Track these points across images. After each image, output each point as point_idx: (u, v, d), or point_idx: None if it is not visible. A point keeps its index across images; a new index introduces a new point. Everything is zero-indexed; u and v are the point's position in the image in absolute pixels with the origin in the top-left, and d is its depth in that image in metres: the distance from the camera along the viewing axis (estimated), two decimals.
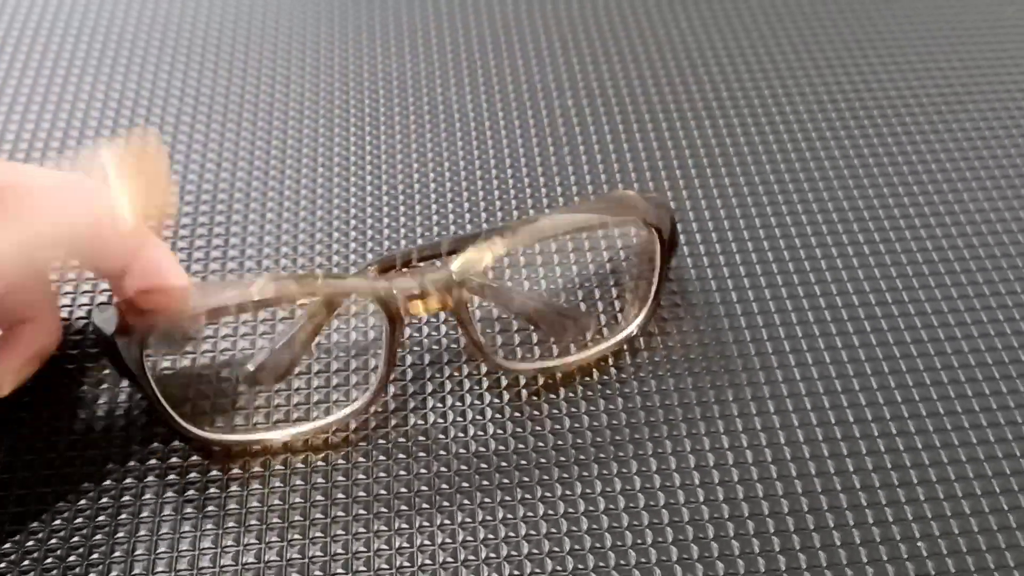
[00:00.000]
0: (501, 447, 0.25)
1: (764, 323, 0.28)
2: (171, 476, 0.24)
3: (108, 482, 0.24)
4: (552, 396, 0.27)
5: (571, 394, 0.27)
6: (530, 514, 0.24)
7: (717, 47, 0.38)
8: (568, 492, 0.24)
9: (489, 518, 0.24)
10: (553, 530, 0.24)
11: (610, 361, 0.28)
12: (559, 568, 0.23)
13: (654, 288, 0.28)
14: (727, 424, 0.26)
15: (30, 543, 0.23)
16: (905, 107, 0.36)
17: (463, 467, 0.25)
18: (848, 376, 0.27)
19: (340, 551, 0.23)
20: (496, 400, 0.26)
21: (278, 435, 0.25)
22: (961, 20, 0.40)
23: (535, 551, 0.23)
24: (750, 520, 0.24)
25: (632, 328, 0.28)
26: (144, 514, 0.24)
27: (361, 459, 0.25)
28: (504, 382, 0.27)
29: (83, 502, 0.24)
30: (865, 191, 0.33)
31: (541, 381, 0.27)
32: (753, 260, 0.30)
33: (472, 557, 0.23)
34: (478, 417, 0.26)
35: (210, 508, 0.24)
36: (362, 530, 0.24)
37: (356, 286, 0.24)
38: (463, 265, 0.25)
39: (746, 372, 0.27)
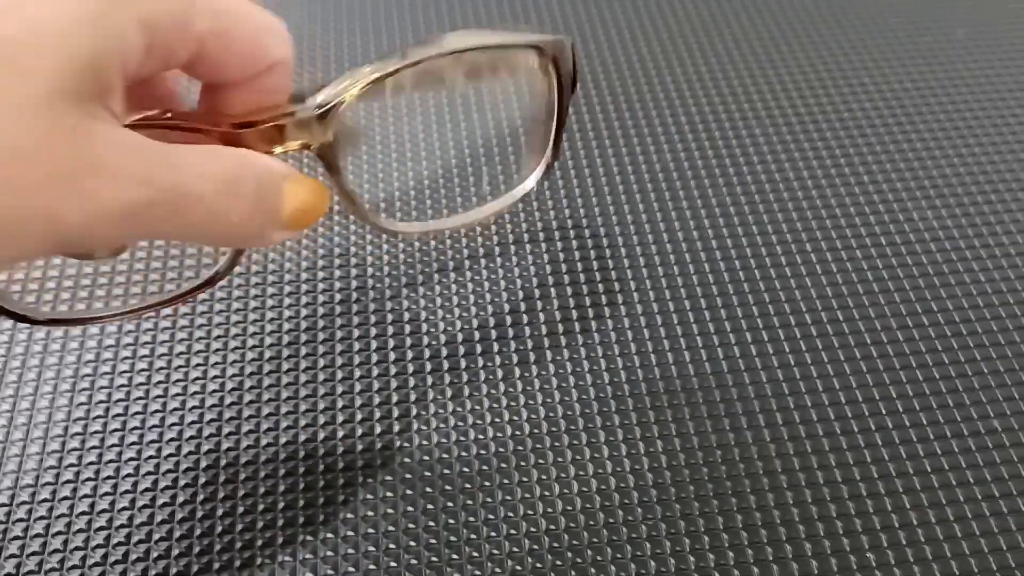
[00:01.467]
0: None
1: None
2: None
3: None
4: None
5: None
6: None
7: (687, 65, 0.39)
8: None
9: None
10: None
11: (506, 220, 0.26)
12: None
13: (552, 135, 0.25)
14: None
15: None
16: (857, 128, 0.37)
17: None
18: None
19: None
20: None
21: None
22: (914, 42, 0.41)
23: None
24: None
25: (529, 183, 0.26)
26: None
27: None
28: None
29: None
30: (818, 211, 0.33)
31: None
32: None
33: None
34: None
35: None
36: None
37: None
38: (327, 97, 0.22)
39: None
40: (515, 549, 0.24)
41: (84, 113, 0.17)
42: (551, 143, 0.26)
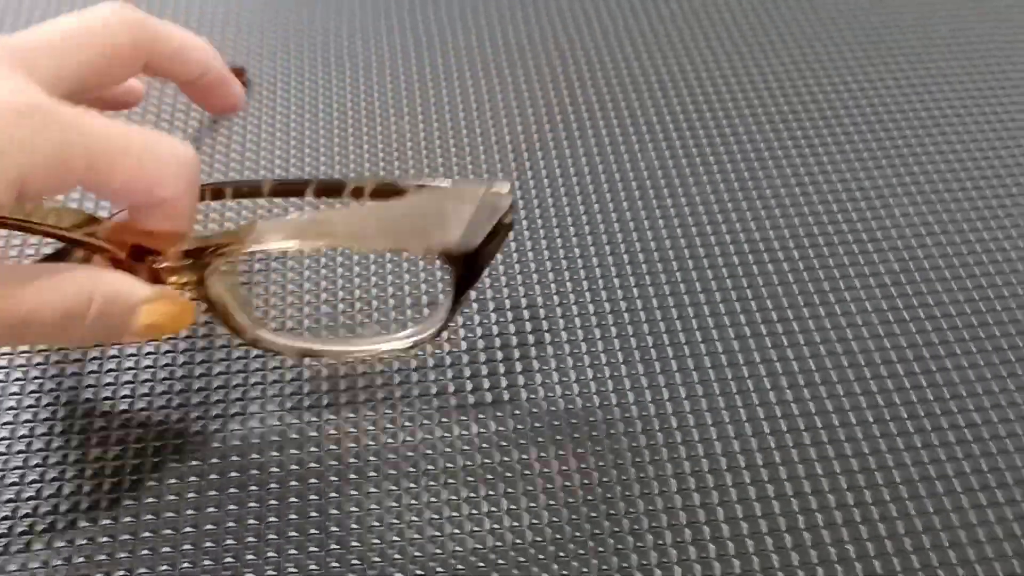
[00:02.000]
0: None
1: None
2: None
3: None
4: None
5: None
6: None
7: (671, 64, 0.39)
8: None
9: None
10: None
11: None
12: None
13: (445, 314, 0.26)
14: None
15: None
16: (840, 126, 0.37)
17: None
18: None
19: None
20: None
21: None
22: (896, 40, 0.41)
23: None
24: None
25: (422, 335, 0.26)
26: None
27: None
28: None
29: None
30: (800, 208, 0.34)
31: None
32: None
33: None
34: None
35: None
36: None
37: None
38: (203, 244, 0.24)
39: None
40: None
41: None
42: (443, 319, 0.26)
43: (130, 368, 0.28)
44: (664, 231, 0.33)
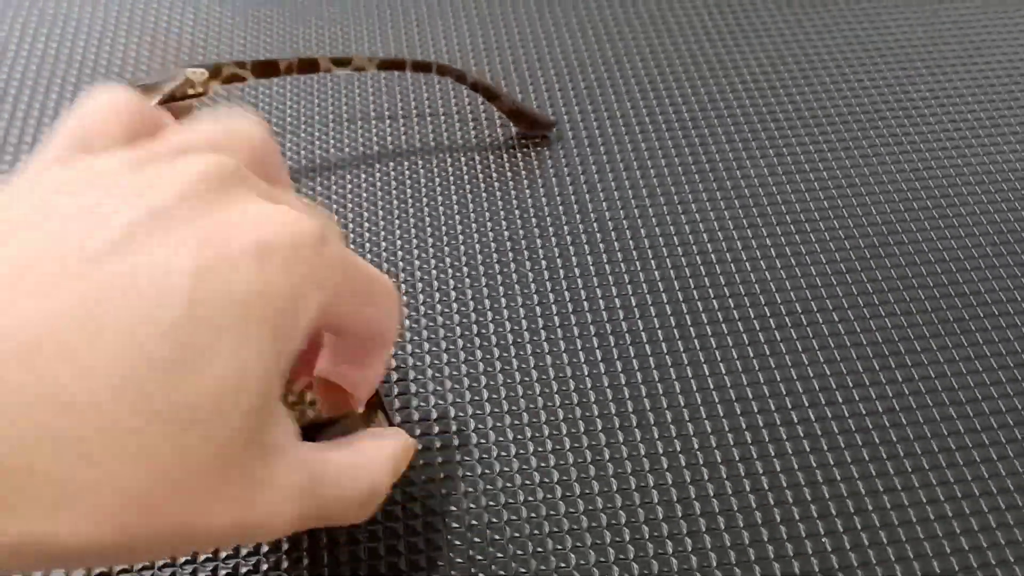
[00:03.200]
0: None
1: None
2: None
3: None
4: None
5: None
6: None
7: (648, 63, 0.40)
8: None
9: None
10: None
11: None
12: None
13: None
14: None
15: None
16: (817, 125, 0.37)
17: None
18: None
19: None
20: None
21: None
22: (872, 40, 0.42)
23: None
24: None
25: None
26: None
27: None
28: None
29: None
30: (778, 207, 0.34)
31: None
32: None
33: None
34: None
35: None
36: None
37: None
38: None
39: None
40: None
41: (259, 450, 0.17)
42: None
43: None
44: (643, 230, 0.33)
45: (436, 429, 0.27)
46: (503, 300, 0.30)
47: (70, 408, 0.15)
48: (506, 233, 0.33)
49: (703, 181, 0.35)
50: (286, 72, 0.33)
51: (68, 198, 0.17)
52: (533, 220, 0.33)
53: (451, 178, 0.35)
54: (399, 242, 0.32)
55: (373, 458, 0.21)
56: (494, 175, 0.35)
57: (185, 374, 0.16)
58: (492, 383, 0.28)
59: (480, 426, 0.27)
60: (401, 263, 0.32)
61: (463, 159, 0.36)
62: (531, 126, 0.36)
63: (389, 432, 0.22)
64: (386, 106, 0.38)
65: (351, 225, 0.33)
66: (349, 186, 0.34)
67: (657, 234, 0.33)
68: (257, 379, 0.17)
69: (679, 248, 0.32)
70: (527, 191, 0.34)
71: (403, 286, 0.31)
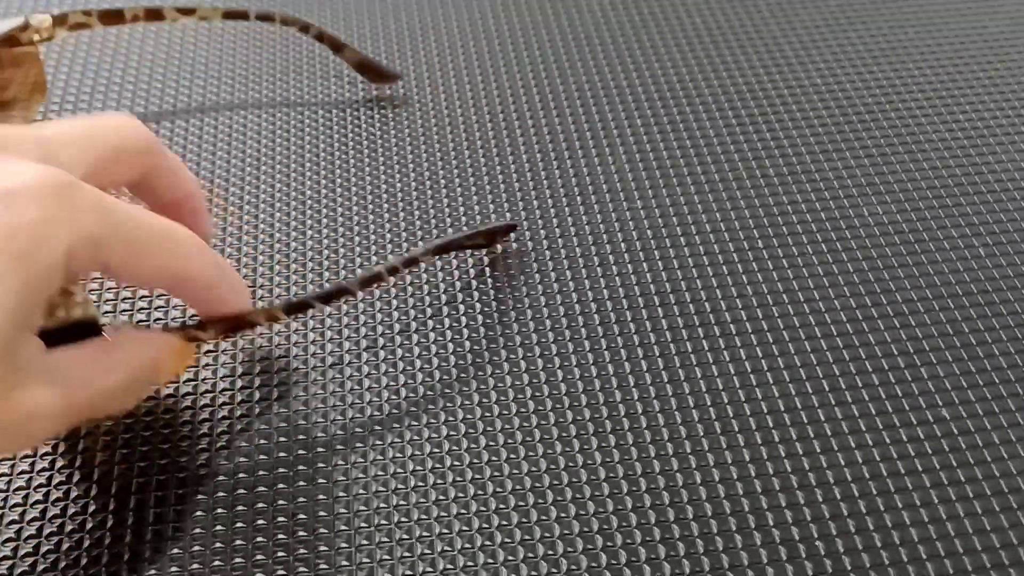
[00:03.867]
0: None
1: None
2: None
3: None
4: None
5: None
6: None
7: (640, 67, 0.40)
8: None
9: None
10: None
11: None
12: None
13: None
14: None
15: None
16: (809, 127, 0.37)
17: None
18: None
19: None
20: None
21: None
22: (864, 42, 0.42)
23: None
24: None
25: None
26: None
27: None
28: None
29: None
30: (770, 209, 0.34)
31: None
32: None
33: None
34: None
35: None
36: None
37: None
38: None
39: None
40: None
41: (18, 349, 0.21)
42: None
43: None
44: (633, 230, 0.33)
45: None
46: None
47: None
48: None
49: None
50: (132, 21, 0.34)
51: None
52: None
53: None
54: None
55: (123, 357, 0.23)
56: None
57: None
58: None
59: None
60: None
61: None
62: (377, 78, 0.38)
63: (154, 335, 0.24)
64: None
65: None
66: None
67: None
68: (3, 308, 0.20)
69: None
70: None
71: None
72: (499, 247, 0.32)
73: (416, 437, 0.27)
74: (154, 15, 0.35)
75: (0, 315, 0.20)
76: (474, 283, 0.31)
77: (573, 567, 0.24)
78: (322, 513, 0.25)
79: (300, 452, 0.26)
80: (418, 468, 0.26)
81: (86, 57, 0.39)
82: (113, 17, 0.34)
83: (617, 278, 0.31)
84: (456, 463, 0.26)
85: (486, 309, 0.30)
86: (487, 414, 0.27)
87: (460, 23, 0.42)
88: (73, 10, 0.33)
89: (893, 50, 0.41)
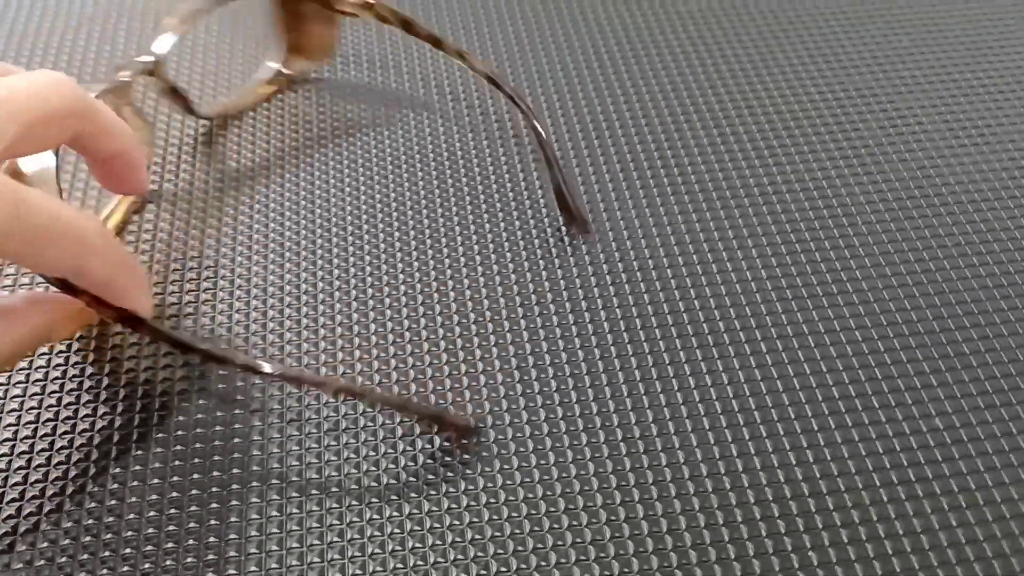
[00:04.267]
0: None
1: None
2: None
3: None
4: None
5: None
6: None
7: (636, 78, 0.40)
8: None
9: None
10: None
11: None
12: None
13: None
14: None
15: None
16: (803, 135, 0.37)
17: None
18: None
19: None
20: None
21: None
22: (857, 49, 0.42)
23: None
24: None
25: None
26: None
27: None
28: None
29: None
30: (763, 217, 0.34)
31: None
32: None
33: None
34: None
35: None
36: None
37: None
38: None
39: None
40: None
41: None
42: None
43: (110, 373, 0.28)
44: (630, 244, 0.33)
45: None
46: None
47: None
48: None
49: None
50: (424, 38, 0.36)
51: None
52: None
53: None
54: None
55: (19, 316, 0.24)
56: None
57: None
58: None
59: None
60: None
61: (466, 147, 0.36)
62: (570, 219, 0.34)
63: (51, 296, 0.25)
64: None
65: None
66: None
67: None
68: None
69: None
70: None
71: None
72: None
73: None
74: (436, 42, 0.36)
75: None
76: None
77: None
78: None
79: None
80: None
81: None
82: (409, 26, 0.35)
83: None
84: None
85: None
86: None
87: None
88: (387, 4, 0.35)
89: (886, 56, 0.41)
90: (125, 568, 0.24)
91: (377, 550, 0.25)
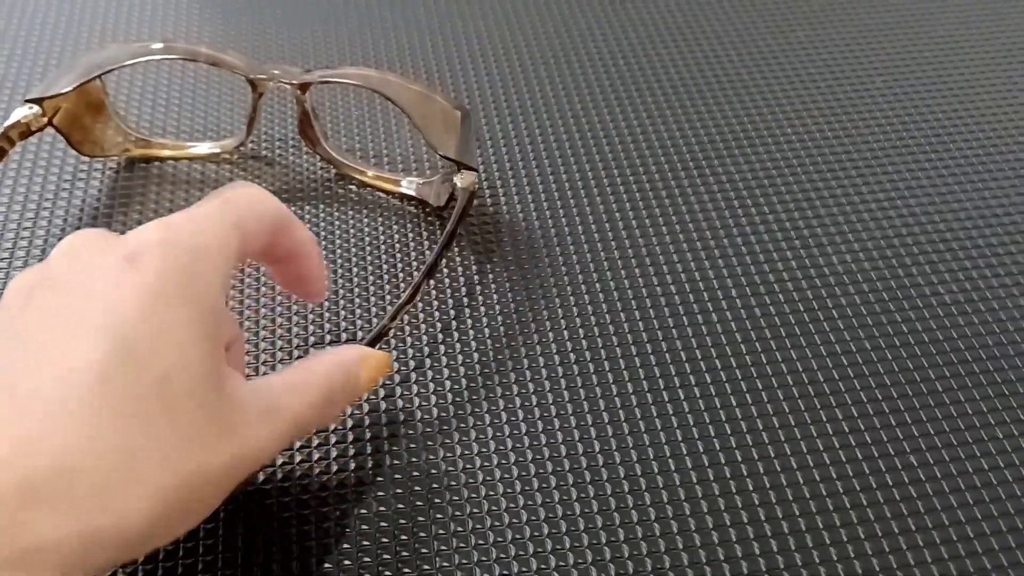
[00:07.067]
0: None
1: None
2: None
3: None
4: None
5: None
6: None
7: (616, 117, 0.40)
8: None
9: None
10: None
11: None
12: None
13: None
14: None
15: None
16: (780, 176, 0.38)
17: None
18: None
19: None
20: None
21: None
22: (833, 92, 0.43)
23: None
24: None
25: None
26: None
27: None
28: None
29: None
30: (743, 257, 0.35)
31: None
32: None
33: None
34: None
35: None
36: None
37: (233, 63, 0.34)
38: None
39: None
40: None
41: (224, 400, 0.22)
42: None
43: None
44: (611, 277, 0.33)
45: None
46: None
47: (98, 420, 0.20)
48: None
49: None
50: None
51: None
52: None
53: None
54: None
55: (316, 370, 0.25)
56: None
57: (152, 377, 0.21)
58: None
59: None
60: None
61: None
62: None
63: (344, 349, 0.26)
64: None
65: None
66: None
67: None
68: (195, 358, 0.21)
69: None
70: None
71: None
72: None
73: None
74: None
75: (193, 362, 0.21)
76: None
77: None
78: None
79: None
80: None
81: None
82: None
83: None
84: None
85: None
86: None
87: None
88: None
89: (860, 98, 0.42)
90: None
91: None
